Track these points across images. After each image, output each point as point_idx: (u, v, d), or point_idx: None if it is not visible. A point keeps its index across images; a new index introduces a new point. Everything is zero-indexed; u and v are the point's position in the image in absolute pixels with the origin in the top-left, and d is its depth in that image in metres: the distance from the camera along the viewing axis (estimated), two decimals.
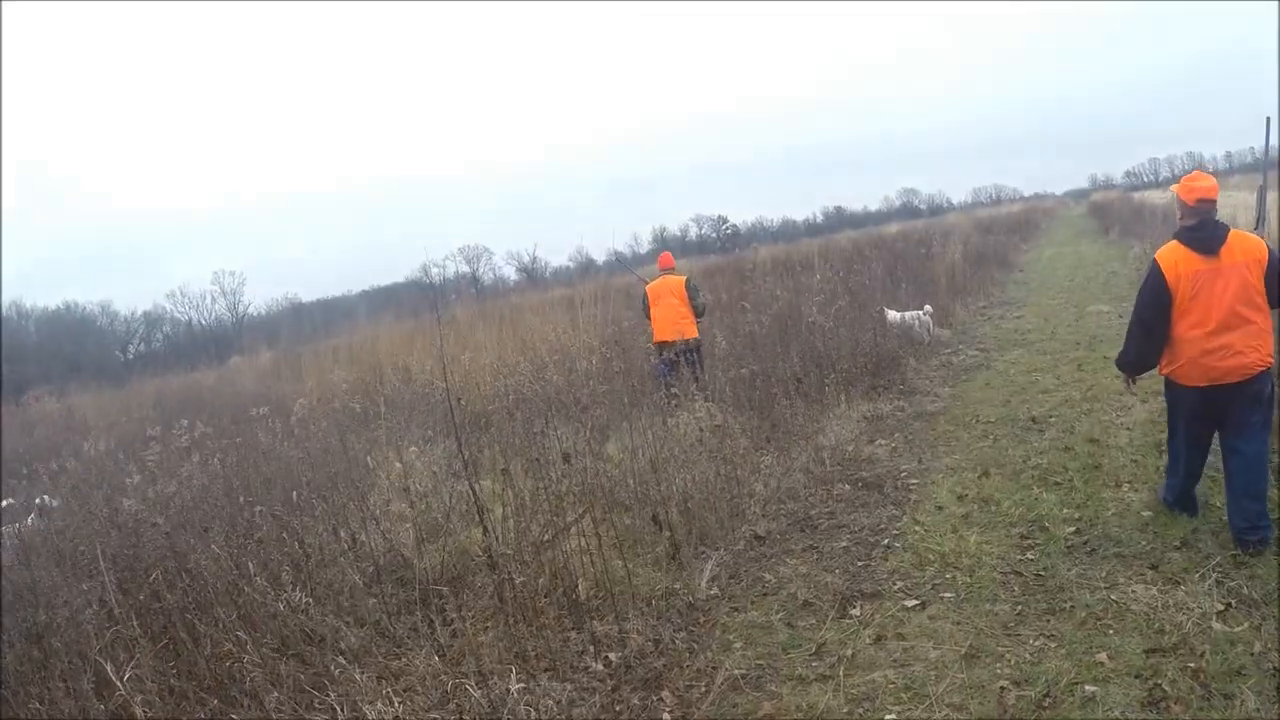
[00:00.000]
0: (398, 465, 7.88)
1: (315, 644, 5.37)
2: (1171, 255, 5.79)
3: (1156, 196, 45.34)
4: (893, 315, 14.18)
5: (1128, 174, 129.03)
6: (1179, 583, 5.29)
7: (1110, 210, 47.42)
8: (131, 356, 72.95)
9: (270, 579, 5.75)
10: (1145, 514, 6.38)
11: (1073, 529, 6.30)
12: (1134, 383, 6.49)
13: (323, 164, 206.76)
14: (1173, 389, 6.09)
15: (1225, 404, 5.80)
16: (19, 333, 68.77)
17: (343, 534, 6.62)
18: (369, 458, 8.76)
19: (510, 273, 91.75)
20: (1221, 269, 5.64)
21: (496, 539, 5.72)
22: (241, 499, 6.94)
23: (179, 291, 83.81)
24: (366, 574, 6.19)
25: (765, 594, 5.99)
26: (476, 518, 5.96)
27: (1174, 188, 6.12)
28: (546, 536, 5.98)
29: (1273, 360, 5.73)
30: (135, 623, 5.16)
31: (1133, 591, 5.27)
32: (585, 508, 6.14)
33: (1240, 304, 5.62)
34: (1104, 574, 5.57)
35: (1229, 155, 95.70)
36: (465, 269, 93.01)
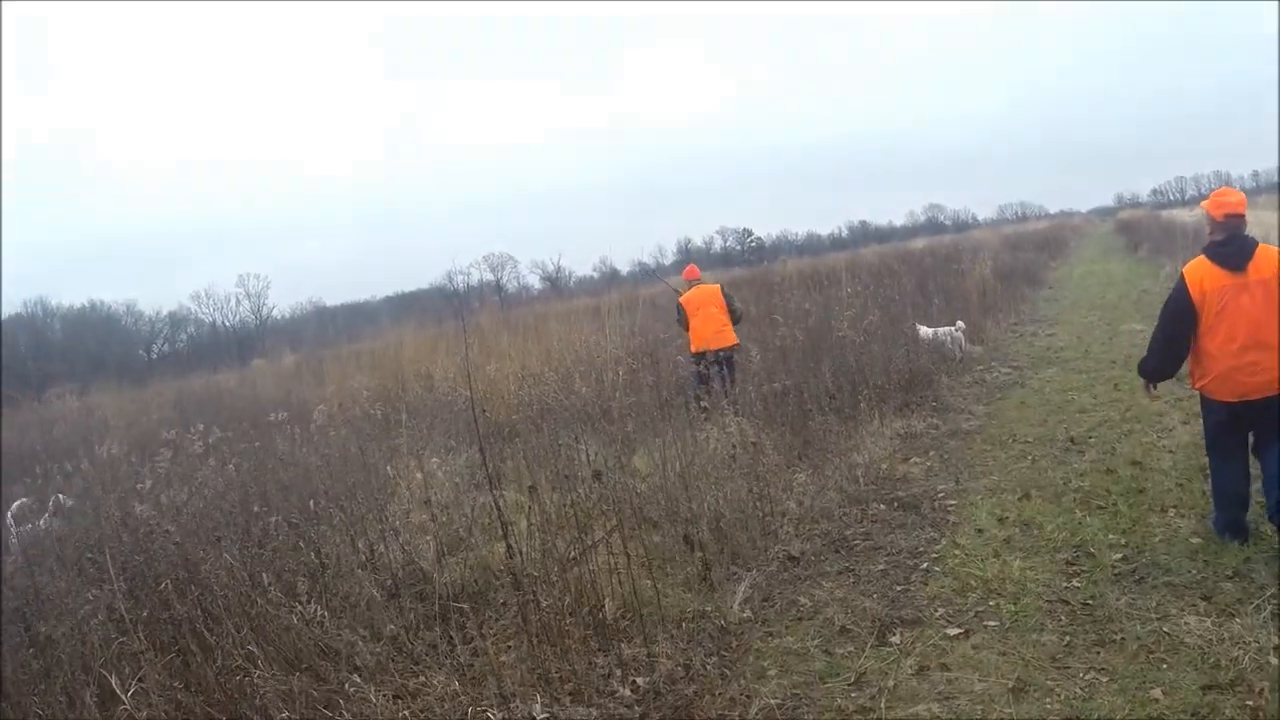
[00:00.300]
0: (418, 475, 7.70)
1: (329, 659, 5.18)
2: (1198, 271, 5.83)
3: (1185, 215, 45.10)
4: (925, 331, 13.98)
5: (1154, 192, 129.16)
6: (1233, 614, 5.03)
7: (1138, 228, 47.11)
8: (155, 356, 73.64)
9: (285, 589, 5.57)
10: (1194, 541, 6.12)
11: (1119, 556, 6.03)
12: (1154, 388, 6.58)
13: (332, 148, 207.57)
14: (1206, 404, 6.10)
15: (1256, 418, 5.80)
16: (44, 330, 69.50)
17: (360, 545, 6.44)
18: (389, 467, 8.58)
19: (534, 281, 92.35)
20: (1248, 284, 5.66)
21: (521, 556, 5.49)
22: (256, 507, 6.75)
23: (204, 293, 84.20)
24: (385, 587, 6.00)
25: (800, 618, 5.74)
26: (499, 532, 5.75)
27: (1203, 204, 6.17)
28: (572, 553, 5.76)
29: None
30: (142, 634, 4.98)
31: (1185, 623, 5.01)
32: (614, 525, 5.92)
33: (1267, 319, 5.60)
34: (1154, 604, 5.30)
35: (1256, 174, 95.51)
36: (489, 276, 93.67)
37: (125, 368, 56.18)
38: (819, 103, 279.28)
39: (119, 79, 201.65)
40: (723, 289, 12.28)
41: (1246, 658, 4.53)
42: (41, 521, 8.61)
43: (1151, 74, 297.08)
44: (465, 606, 5.49)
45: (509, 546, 5.45)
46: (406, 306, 56.34)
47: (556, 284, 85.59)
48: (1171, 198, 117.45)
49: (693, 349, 12.00)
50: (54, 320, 71.83)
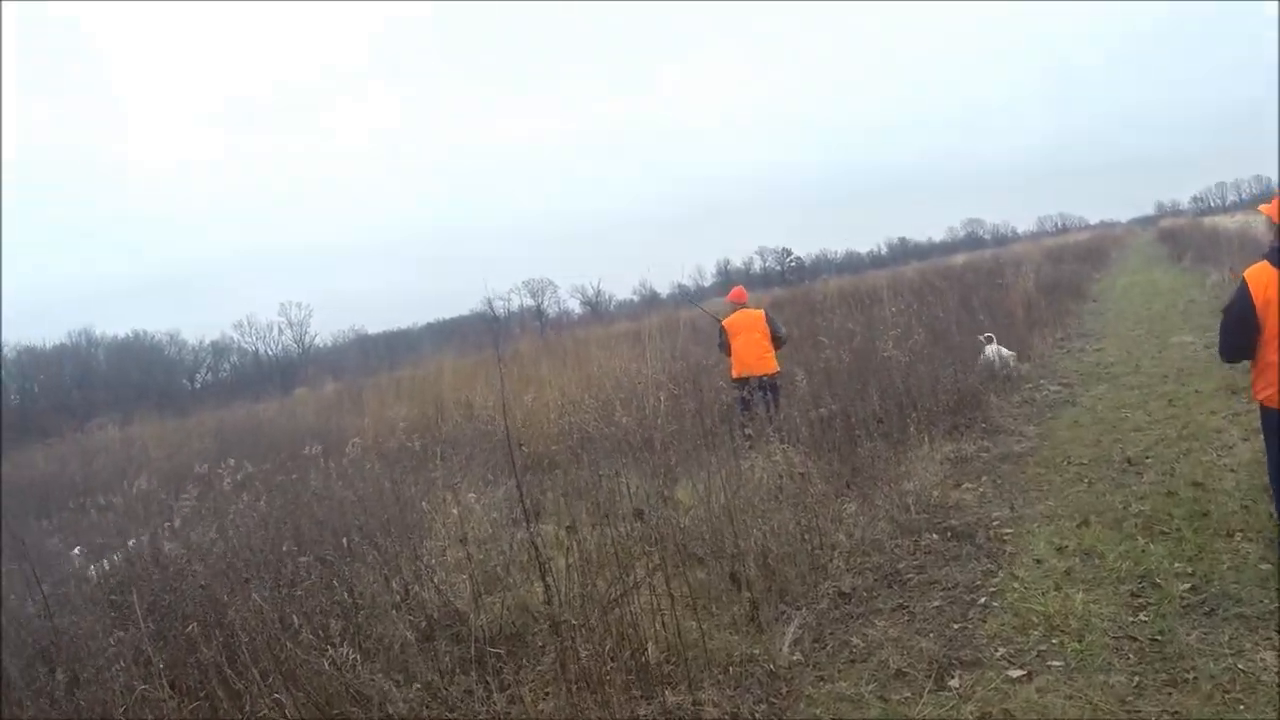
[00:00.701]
0: (454, 510, 7.51)
1: (361, 705, 4.98)
2: (1261, 276, 5.50)
3: (1228, 221, 44.55)
4: (990, 350, 13.86)
5: (1195, 199, 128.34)
6: None
7: (1181, 236, 46.68)
8: (199, 386, 74.45)
9: (316, 631, 5.38)
10: (1264, 568, 5.82)
11: (1187, 586, 5.73)
12: None
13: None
14: (1267, 414, 5.76)
15: None
16: (89, 360, 70.63)
17: (395, 584, 6.25)
18: (424, 501, 8.39)
19: (575, 305, 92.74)
20: None
21: (559, 598, 5.27)
22: (286, 546, 6.59)
23: (246, 321, 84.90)
24: (419, 629, 5.81)
25: (854, 661, 5.47)
26: (537, 571, 5.54)
27: (1262, 207, 5.94)
28: (613, 594, 5.52)
29: None
30: (166, 680, 4.81)
31: (1261, 659, 4.73)
32: (656, 564, 5.68)
33: None
34: (1227, 638, 5.02)
35: None
36: (530, 302, 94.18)
37: (168, 397, 56.86)
38: (850, 124, 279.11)
39: (159, 101, 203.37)
40: (767, 314, 12.05)
41: None
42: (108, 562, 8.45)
43: (1185, 81, 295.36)
44: (502, 651, 5.28)
45: (547, 588, 5.24)
46: (447, 333, 56.57)
47: (596, 308, 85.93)
48: (1213, 204, 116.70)
49: (734, 374, 11.83)
50: (98, 350, 72.82)
